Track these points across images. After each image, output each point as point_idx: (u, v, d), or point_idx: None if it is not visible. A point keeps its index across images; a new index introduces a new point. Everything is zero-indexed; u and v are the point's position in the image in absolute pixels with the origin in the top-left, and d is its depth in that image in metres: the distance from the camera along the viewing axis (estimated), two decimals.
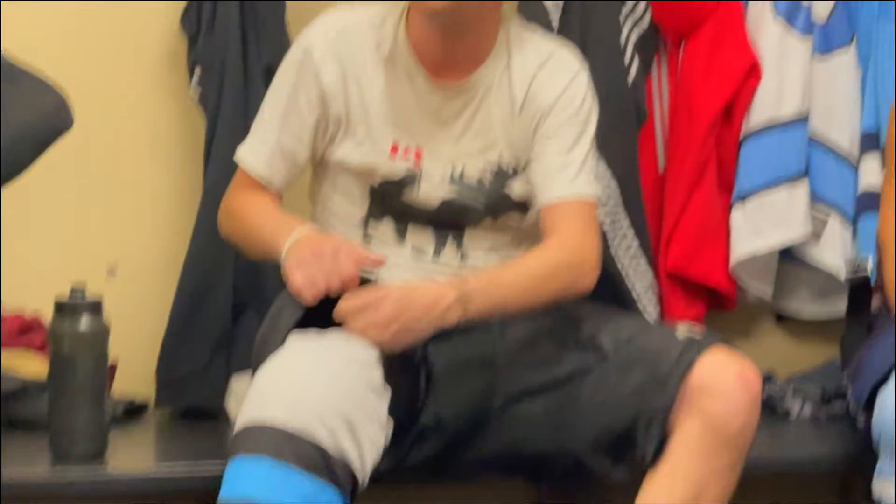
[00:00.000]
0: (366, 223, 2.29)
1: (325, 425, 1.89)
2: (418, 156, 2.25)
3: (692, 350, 2.03)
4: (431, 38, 2.23)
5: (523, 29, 2.35)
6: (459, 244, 2.27)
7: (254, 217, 2.29)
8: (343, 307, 2.04)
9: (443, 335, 2.15)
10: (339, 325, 2.04)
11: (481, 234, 2.28)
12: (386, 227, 2.28)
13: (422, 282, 2.15)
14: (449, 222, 2.28)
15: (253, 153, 2.32)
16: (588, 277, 2.20)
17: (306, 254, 2.09)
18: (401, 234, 2.28)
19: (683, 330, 2.11)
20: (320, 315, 2.06)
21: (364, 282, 2.09)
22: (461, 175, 2.26)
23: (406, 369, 2.13)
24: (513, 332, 2.19)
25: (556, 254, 2.19)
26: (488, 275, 2.18)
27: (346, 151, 2.27)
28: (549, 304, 2.19)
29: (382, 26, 2.27)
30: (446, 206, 2.26)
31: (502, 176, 2.27)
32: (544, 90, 2.26)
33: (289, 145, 2.29)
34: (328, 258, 2.07)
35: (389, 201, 2.27)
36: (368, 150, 2.26)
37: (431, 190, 2.26)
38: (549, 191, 2.23)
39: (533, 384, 2.14)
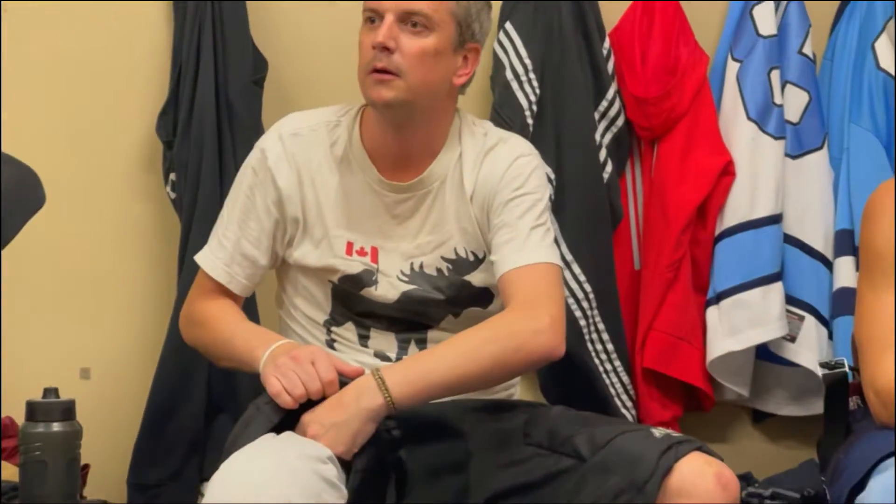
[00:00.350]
0: (328, 328, 2.28)
1: None
2: (375, 254, 2.25)
3: (670, 454, 2.01)
4: (385, 136, 2.23)
5: (474, 122, 2.32)
6: (422, 347, 2.26)
7: (222, 326, 2.26)
8: (305, 417, 2.04)
9: (416, 440, 2.14)
10: None
11: (443, 336, 2.25)
12: (348, 332, 2.27)
13: None
14: (411, 322, 2.25)
15: (212, 257, 2.30)
16: (543, 337, 2.08)
17: (284, 359, 2.08)
18: (363, 338, 2.27)
19: (660, 431, 2.09)
20: (293, 424, 2.05)
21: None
22: (420, 267, 2.25)
23: (379, 475, 2.10)
24: (486, 433, 2.16)
25: (497, 321, 2.12)
26: (415, 355, 2.18)
27: (304, 252, 2.26)
28: (501, 375, 2.13)
29: (337, 127, 2.27)
30: (406, 297, 2.24)
31: (461, 265, 2.26)
32: (490, 176, 2.24)
33: (248, 250, 2.28)
34: (306, 364, 2.07)
35: (350, 302, 2.25)
36: (325, 251, 2.25)
37: (389, 285, 2.24)
38: (500, 266, 2.18)
39: (506, 487, 2.10)
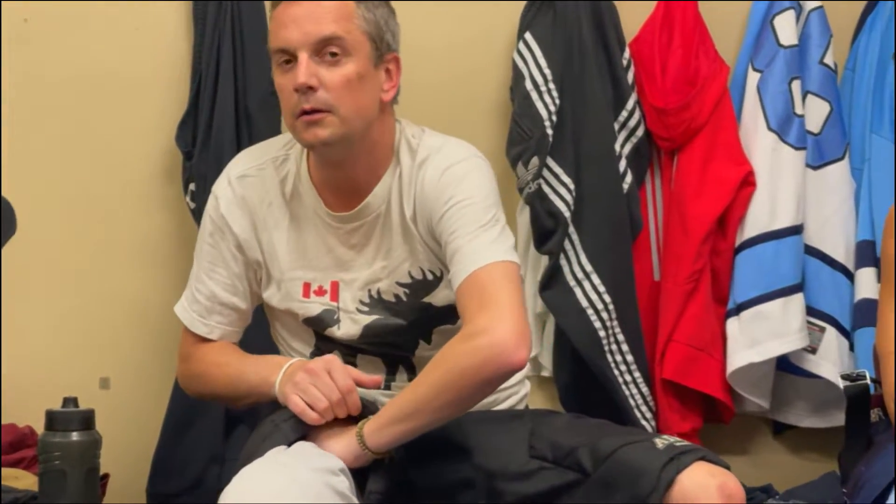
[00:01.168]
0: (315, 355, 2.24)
1: None
2: (335, 289, 2.20)
3: (672, 466, 1.99)
4: (326, 169, 2.18)
5: (413, 134, 2.21)
6: (411, 370, 2.23)
7: (226, 369, 2.23)
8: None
9: (424, 459, 2.12)
10: None
11: (430, 355, 2.17)
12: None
13: None
14: (385, 347, 2.21)
15: (189, 311, 2.27)
16: (501, 351, 2.00)
17: (301, 375, 2.07)
18: (351, 365, 2.20)
19: (664, 441, 2.06)
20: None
21: (364, 407, 2.08)
22: (378, 294, 2.20)
23: (392, 496, 2.10)
24: (492, 448, 2.13)
25: (454, 347, 2.04)
26: (391, 400, 2.09)
27: (269, 296, 2.24)
28: (472, 398, 2.05)
29: (286, 161, 2.23)
30: (368, 331, 2.20)
31: (418, 287, 2.20)
32: (424, 193, 2.16)
33: (224, 298, 2.24)
34: (323, 375, 2.06)
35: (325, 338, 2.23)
36: (284, 294, 2.22)
37: (351, 321, 2.20)
38: (453, 284, 2.09)
39: (512, 502, 2.09)
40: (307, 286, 2.21)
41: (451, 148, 2.21)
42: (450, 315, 2.21)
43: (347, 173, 2.17)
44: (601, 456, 2.02)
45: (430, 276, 2.20)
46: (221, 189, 2.24)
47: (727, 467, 2.00)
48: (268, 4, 2.15)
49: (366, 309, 2.20)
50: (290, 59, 2.09)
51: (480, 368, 2.01)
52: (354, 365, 2.21)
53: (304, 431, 2.06)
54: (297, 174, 2.21)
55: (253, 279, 2.25)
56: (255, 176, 2.23)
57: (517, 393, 2.33)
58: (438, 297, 2.21)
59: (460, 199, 2.14)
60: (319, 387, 2.05)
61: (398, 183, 2.19)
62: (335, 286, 2.21)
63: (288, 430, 2.05)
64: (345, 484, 1.95)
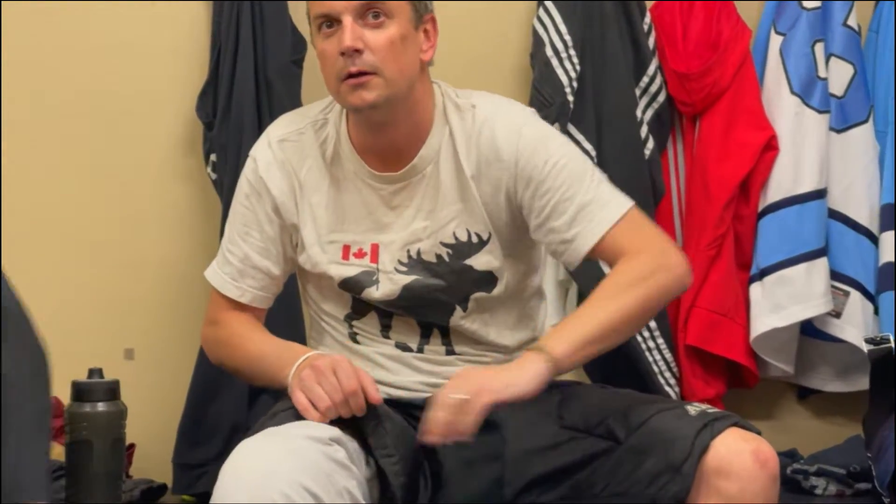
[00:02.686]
0: (350, 321, 2.24)
1: (290, 500, 1.87)
2: (375, 252, 2.19)
3: (706, 432, 1.99)
4: (369, 133, 2.17)
5: (457, 94, 2.23)
6: (445, 335, 2.22)
7: (248, 346, 2.22)
8: (432, 427, 1.96)
9: None
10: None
11: (463, 322, 2.20)
12: (370, 323, 2.22)
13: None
14: (420, 312, 2.20)
15: (221, 273, 2.26)
16: (679, 269, 2.11)
17: (307, 372, 2.06)
18: (385, 328, 2.21)
19: (696, 408, 2.06)
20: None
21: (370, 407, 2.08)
22: (418, 254, 2.19)
23: (412, 466, 2.10)
24: (521, 420, 2.14)
25: (629, 267, 2.09)
26: (563, 326, 2.08)
27: (304, 259, 2.22)
28: (645, 317, 2.16)
29: (325, 125, 2.23)
30: (407, 292, 2.18)
31: (462, 248, 2.19)
32: (498, 156, 2.15)
33: (257, 261, 2.23)
34: (329, 374, 2.05)
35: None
36: (322, 257, 2.20)
37: (390, 282, 2.18)
38: (588, 237, 2.12)
39: (542, 473, 2.08)
40: (346, 249, 2.20)
41: (509, 106, 2.24)
42: (488, 282, 2.21)
43: (390, 135, 2.16)
44: (634, 424, 2.02)
45: (475, 239, 2.19)
46: (261, 151, 2.24)
47: (759, 433, 2.00)
48: None
49: (404, 269, 2.19)
50: (333, 23, 2.09)
51: (673, 287, 2.11)
52: (390, 328, 2.22)
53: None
54: (336, 138, 2.21)
55: (288, 243, 2.24)
56: (295, 140, 2.22)
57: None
58: (480, 261, 2.20)
59: (557, 158, 2.15)
60: (324, 385, 2.03)
61: (450, 142, 2.18)
62: (375, 248, 2.20)
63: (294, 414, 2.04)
64: (341, 453, 1.95)
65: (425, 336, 2.22)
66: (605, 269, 2.20)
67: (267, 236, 2.22)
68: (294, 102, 2.88)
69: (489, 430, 2.12)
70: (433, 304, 2.20)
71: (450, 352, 2.21)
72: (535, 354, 1.99)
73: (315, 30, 2.12)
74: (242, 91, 2.87)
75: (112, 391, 2.25)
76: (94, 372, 2.25)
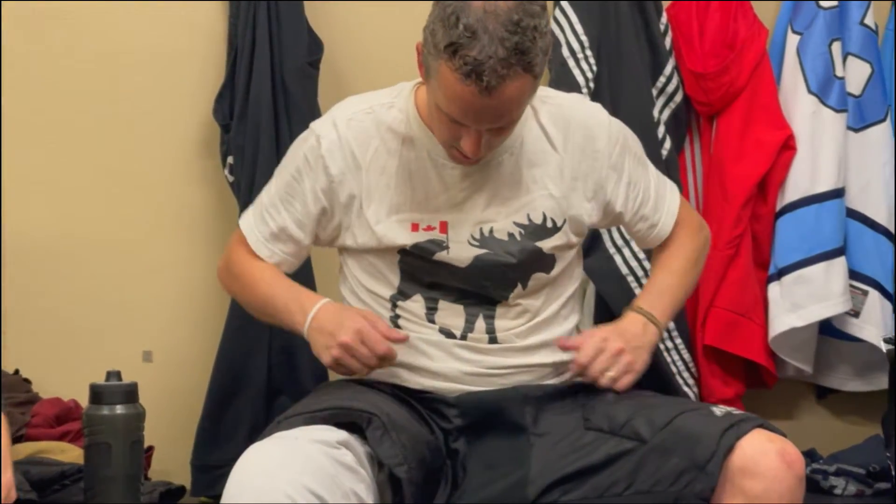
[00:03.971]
0: (394, 303, 2.26)
1: (293, 500, 1.87)
2: (443, 227, 2.21)
3: (732, 432, 1.99)
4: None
5: (541, 87, 2.22)
6: (489, 322, 2.25)
7: (261, 286, 2.27)
8: (581, 361, 2.17)
9: (476, 431, 2.14)
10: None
11: (510, 311, 2.23)
12: (415, 306, 2.24)
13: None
14: (480, 289, 2.22)
15: (256, 231, 2.30)
16: (710, 239, 2.48)
17: (338, 352, 2.11)
18: (430, 311, 2.24)
19: (721, 409, 2.07)
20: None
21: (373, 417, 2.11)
22: (490, 232, 2.21)
23: (434, 463, 2.11)
24: (546, 424, 2.15)
25: (688, 241, 2.38)
26: (661, 297, 2.31)
27: (361, 234, 2.23)
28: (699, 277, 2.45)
29: (392, 108, 2.23)
30: (478, 262, 2.20)
31: (537, 231, 2.22)
32: (586, 140, 2.23)
33: (293, 230, 2.27)
34: (358, 347, 2.10)
35: (419, 273, 2.23)
36: (389, 230, 2.21)
37: (461, 248, 2.21)
38: (667, 219, 2.35)
39: (566, 473, 2.09)
40: (415, 225, 2.21)
41: (586, 101, 2.40)
42: (549, 264, 2.25)
43: None
44: (659, 423, 2.03)
45: (549, 224, 2.23)
46: (325, 129, 2.24)
47: (784, 435, 2.00)
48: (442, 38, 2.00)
49: (476, 243, 2.21)
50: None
51: (706, 254, 2.46)
52: (435, 310, 2.23)
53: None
54: (406, 119, 2.22)
55: (324, 225, 2.26)
56: (362, 120, 2.24)
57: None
58: (548, 245, 2.23)
59: (636, 148, 2.32)
60: (358, 359, 2.10)
61: (538, 130, 2.22)
62: (444, 225, 2.21)
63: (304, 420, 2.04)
64: (349, 456, 1.96)
65: (470, 322, 2.22)
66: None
67: (308, 211, 2.25)
68: (310, 104, 2.88)
69: (516, 433, 2.12)
70: (498, 279, 2.22)
71: (492, 339, 2.22)
72: (649, 326, 2.25)
73: (435, 105, 2.08)
74: (259, 93, 2.87)
75: (130, 394, 2.25)
76: (113, 374, 2.25)
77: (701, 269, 2.43)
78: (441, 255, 2.20)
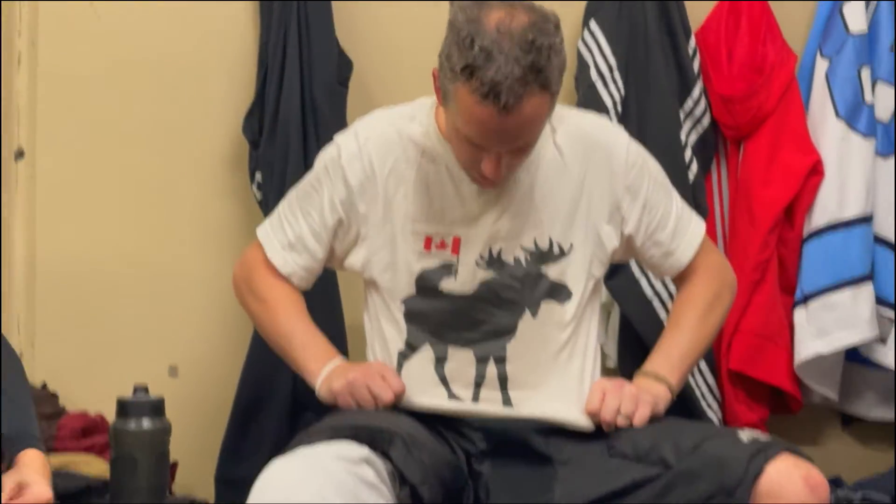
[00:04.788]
0: (402, 361, 2.25)
1: None
2: (456, 245, 2.22)
3: (759, 457, 1.98)
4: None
5: (558, 105, 2.22)
6: (501, 368, 2.21)
7: (282, 318, 2.28)
8: (590, 408, 2.13)
9: (500, 457, 2.14)
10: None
11: (521, 349, 2.22)
12: (424, 357, 2.23)
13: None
14: (488, 331, 2.22)
15: (273, 239, 2.32)
16: (735, 285, 2.41)
17: (343, 392, 2.13)
18: (440, 362, 2.22)
19: (747, 434, 2.06)
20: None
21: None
22: (499, 254, 2.22)
23: (456, 483, 2.11)
24: (570, 454, 2.14)
25: (704, 291, 2.32)
26: (668, 356, 2.25)
27: (376, 250, 2.24)
28: (719, 329, 2.38)
29: (413, 121, 2.25)
30: (484, 288, 2.21)
31: (541, 256, 2.22)
32: (605, 164, 2.23)
33: (309, 240, 2.28)
34: (363, 391, 2.12)
35: (425, 316, 2.22)
36: (400, 247, 2.23)
37: (469, 275, 2.22)
38: (686, 249, 2.32)
39: (592, 499, 2.07)
40: (429, 240, 2.22)
41: (608, 125, 2.37)
42: (559, 292, 2.24)
43: None
44: (685, 449, 2.02)
45: (556, 250, 2.23)
46: (347, 141, 2.27)
47: (811, 461, 1.99)
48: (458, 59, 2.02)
49: (483, 263, 2.22)
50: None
51: (727, 305, 2.37)
52: (445, 358, 2.23)
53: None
54: (426, 132, 2.23)
55: (340, 236, 2.27)
56: (383, 131, 2.25)
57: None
58: (554, 271, 2.23)
59: (656, 173, 2.32)
60: (360, 402, 2.14)
61: (553, 150, 2.22)
62: (457, 242, 2.22)
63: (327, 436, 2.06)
64: (371, 473, 1.96)
65: (480, 371, 2.21)
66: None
67: (324, 221, 2.27)
68: (339, 122, 2.89)
69: (540, 460, 2.12)
70: (505, 304, 2.22)
71: (507, 401, 2.21)
72: (659, 385, 2.18)
73: (457, 124, 2.08)
74: (288, 111, 2.88)
75: (157, 408, 2.25)
76: (140, 389, 2.26)
77: (721, 316, 2.35)
78: (447, 284, 2.21)
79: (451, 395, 2.22)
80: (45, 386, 2.87)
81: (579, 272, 2.24)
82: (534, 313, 2.24)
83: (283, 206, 2.34)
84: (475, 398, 2.21)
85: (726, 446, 2.01)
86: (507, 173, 2.14)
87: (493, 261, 2.22)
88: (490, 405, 2.20)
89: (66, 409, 2.82)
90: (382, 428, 2.02)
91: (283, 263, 2.30)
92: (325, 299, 2.73)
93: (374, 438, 2.00)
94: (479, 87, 1.98)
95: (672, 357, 2.24)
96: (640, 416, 2.13)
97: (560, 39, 2.03)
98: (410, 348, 2.25)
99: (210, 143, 3.00)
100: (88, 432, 2.72)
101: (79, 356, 2.92)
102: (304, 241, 2.28)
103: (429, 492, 2.01)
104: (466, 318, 2.23)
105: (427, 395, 2.21)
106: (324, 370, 2.19)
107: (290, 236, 2.29)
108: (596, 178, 2.23)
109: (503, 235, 2.21)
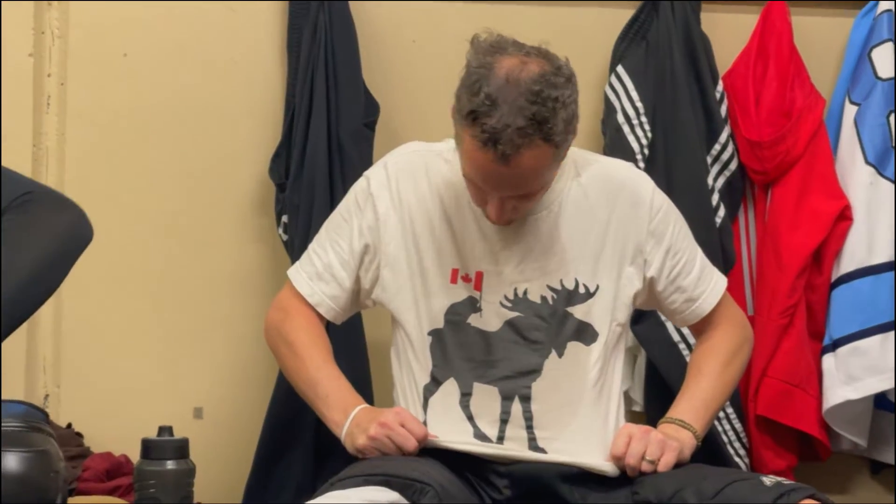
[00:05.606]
0: (426, 398, 2.24)
1: None
2: (479, 279, 2.21)
3: (783, 501, 1.97)
4: None
5: (583, 151, 2.30)
6: (526, 407, 2.19)
7: (308, 364, 2.27)
8: (616, 452, 2.12)
9: (525, 500, 2.12)
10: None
11: (545, 388, 2.21)
12: (449, 394, 2.22)
13: None
14: (513, 354, 2.20)
15: (301, 270, 2.32)
16: (753, 339, 2.44)
17: (371, 452, 2.12)
18: (465, 397, 2.21)
19: (771, 479, 2.05)
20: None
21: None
22: (524, 294, 2.21)
23: None
24: (593, 496, 2.12)
25: (726, 341, 2.33)
26: (692, 403, 2.25)
27: (404, 280, 2.24)
28: (739, 379, 2.38)
29: (440, 155, 2.27)
30: (509, 326, 2.21)
31: (568, 296, 2.22)
32: (630, 209, 2.23)
33: (336, 268, 2.28)
34: (389, 447, 2.11)
35: (450, 351, 2.22)
36: (428, 279, 2.23)
37: (493, 313, 2.21)
38: (709, 298, 2.32)
39: None
40: (455, 272, 2.23)
41: (633, 170, 2.37)
42: (585, 333, 2.23)
43: None
44: (708, 494, 2.01)
45: (581, 290, 2.23)
46: (377, 172, 2.30)
47: None
48: (463, 95, 2.05)
49: (509, 305, 2.22)
50: None
51: (746, 356, 2.38)
52: (470, 394, 2.21)
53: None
54: (452, 169, 2.24)
55: (367, 264, 2.27)
56: (412, 164, 2.28)
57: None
58: (580, 311, 2.23)
59: (681, 223, 2.33)
60: (381, 448, 2.12)
61: (582, 191, 2.23)
62: (479, 276, 2.22)
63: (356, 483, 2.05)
64: None
65: (506, 407, 2.20)
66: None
67: (352, 249, 2.27)
68: (366, 165, 2.87)
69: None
70: (531, 343, 2.21)
71: (533, 445, 2.19)
72: (685, 431, 2.18)
73: (462, 165, 2.12)
74: (315, 153, 2.89)
75: (181, 449, 2.25)
76: (164, 430, 2.26)
77: (740, 368, 2.36)
78: (474, 319, 2.21)
79: (477, 432, 2.20)
80: (69, 426, 2.88)
81: (604, 314, 2.23)
82: (560, 354, 2.23)
83: (313, 243, 2.35)
84: (500, 436, 2.20)
85: (750, 491, 1.99)
86: (514, 216, 2.15)
87: (519, 301, 2.21)
88: (516, 445, 2.18)
89: (90, 450, 2.82)
90: (414, 479, 2.00)
91: (311, 293, 2.30)
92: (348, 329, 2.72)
93: (406, 487, 1.98)
94: (480, 133, 2.00)
95: (696, 404, 2.24)
96: (666, 462, 2.11)
97: (570, 92, 2.04)
98: (436, 383, 2.24)
99: (237, 186, 3.01)
100: (113, 473, 2.72)
101: (104, 397, 2.92)
102: (332, 270, 2.29)
103: None
104: (491, 354, 2.22)
105: (454, 431, 2.19)
106: (346, 422, 2.17)
107: (319, 266, 2.30)
108: (621, 221, 2.23)
109: (528, 276, 2.21)
